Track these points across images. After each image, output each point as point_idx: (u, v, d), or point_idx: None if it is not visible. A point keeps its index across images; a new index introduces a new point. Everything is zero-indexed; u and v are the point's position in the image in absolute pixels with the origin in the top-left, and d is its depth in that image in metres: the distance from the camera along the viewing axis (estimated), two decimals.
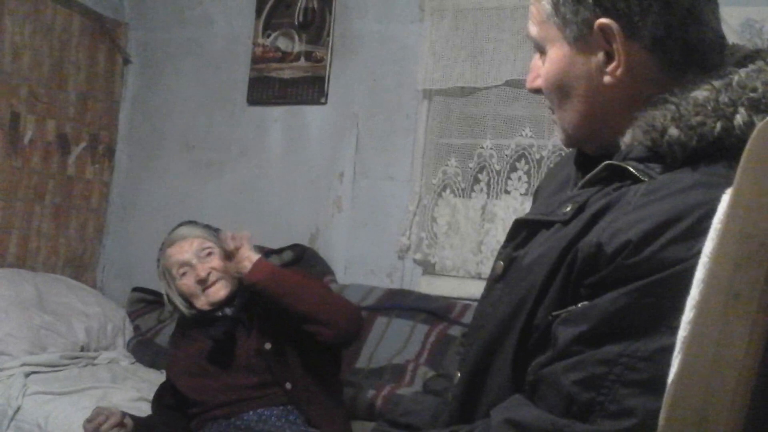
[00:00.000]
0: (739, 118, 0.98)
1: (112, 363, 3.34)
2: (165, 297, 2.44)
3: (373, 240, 3.43)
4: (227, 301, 2.36)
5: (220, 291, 2.34)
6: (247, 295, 2.33)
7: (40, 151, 3.89)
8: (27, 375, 2.94)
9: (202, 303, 2.35)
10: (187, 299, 2.38)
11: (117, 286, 4.08)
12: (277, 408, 2.26)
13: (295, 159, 3.68)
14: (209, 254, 2.38)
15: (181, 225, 2.48)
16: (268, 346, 2.30)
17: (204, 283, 2.34)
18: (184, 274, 2.37)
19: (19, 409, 2.77)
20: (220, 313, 2.35)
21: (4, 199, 3.77)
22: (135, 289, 3.81)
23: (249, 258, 2.24)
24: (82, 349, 3.38)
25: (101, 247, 4.21)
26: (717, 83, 1.01)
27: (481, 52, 3.15)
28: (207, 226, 2.50)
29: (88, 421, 2.33)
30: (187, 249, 2.38)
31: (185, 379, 2.37)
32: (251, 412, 2.25)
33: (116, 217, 4.20)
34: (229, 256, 2.29)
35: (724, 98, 1.00)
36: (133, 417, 2.40)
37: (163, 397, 2.44)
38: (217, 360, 2.35)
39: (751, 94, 0.99)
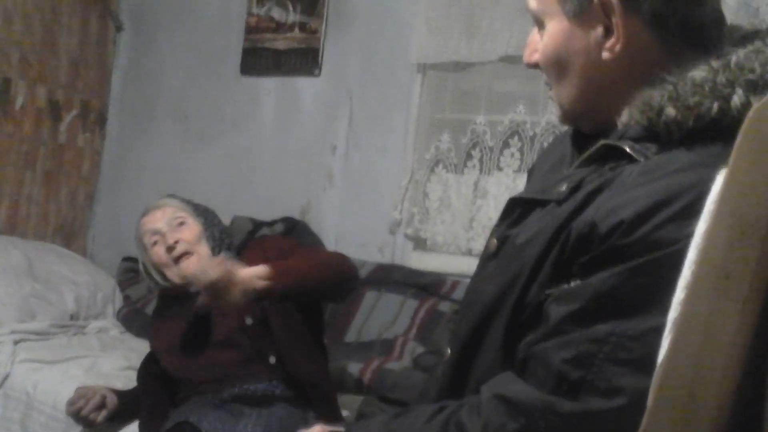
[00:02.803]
0: (737, 99, 0.98)
1: (101, 332, 3.33)
2: (141, 267, 2.35)
3: (365, 214, 3.42)
4: None
5: (190, 265, 2.20)
6: None
7: (32, 117, 3.86)
8: (16, 343, 2.93)
9: (173, 275, 2.26)
10: (159, 270, 2.28)
11: (107, 254, 4.06)
12: (262, 383, 2.23)
13: (288, 131, 3.66)
14: (181, 224, 2.28)
15: (161, 198, 2.40)
16: (249, 321, 2.23)
17: (172, 252, 2.24)
18: (155, 243, 2.27)
19: (7, 376, 2.78)
20: (194, 288, 2.13)
21: None
22: (125, 259, 3.78)
23: (256, 273, 1.93)
24: (72, 318, 3.37)
25: (92, 215, 4.19)
26: (715, 63, 1.01)
27: (476, 27, 3.12)
28: (190, 201, 2.40)
29: (69, 404, 2.33)
30: (159, 218, 2.29)
31: (167, 356, 2.32)
32: (236, 388, 2.21)
33: (107, 186, 4.17)
34: (218, 291, 1.92)
35: (721, 79, 0.99)
36: (117, 392, 2.38)
37: (149, 366, 2.40)
38: (197, 337, 2.27)
39: (749, 75, 0.99)
